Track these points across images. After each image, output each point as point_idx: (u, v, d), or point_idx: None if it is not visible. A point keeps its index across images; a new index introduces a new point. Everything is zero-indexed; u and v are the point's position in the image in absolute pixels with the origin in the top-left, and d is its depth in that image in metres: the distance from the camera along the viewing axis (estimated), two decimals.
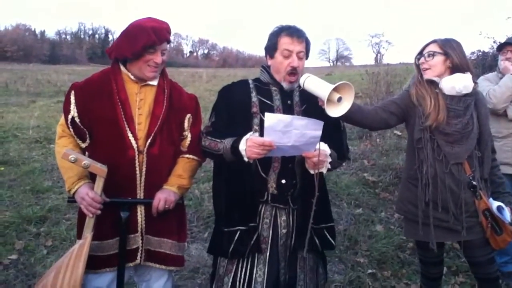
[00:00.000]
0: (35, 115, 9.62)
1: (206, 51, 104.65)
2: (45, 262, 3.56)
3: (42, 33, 79.04)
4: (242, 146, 1.94)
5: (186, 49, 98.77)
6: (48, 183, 5.51)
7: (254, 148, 1.89)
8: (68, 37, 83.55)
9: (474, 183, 2.30)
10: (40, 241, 3.95)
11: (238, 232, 2.11)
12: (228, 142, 2.02)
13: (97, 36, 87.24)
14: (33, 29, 77.11)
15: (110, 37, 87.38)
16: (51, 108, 12.69)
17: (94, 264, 2.03)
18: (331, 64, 78.23)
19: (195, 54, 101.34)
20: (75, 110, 2.10)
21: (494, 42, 8.17)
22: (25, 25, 75.43)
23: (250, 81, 2.26)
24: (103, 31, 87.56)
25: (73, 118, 2.10)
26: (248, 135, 1.95)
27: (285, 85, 2.16)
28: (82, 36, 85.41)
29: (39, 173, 5.88)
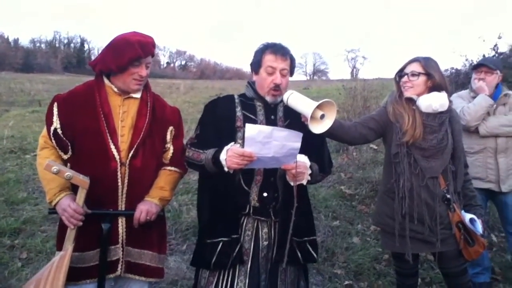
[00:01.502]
0: (9, 125, 9.40)
1: (183, 62, 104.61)
2: (20, 275, 3.49)
3: (16, 41, 77.49)
4: (222, 156, 1.98)
5: (163, 60, 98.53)
6: (23, 194, 5.40)
7: (234, 158, 1.92)
8: (42, 45, 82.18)
9: (448, 196, 2.39)
10: (15, 254, 3.87)
11: (221, 244, 2.13)
12: (210, 152, 2.06)
13: (72, 45, 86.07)
14: (6, 37, 75.65)
15: (86, 47, 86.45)
16: (26, 117, 12.41)
17: (74, 275, 2.01)
18: (308, 78, 78.95)
19: (172, 65, 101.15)
20: (58, 122, 2.10)
21: (466, 60, 8.47)
22: None
23: (236, 96, 2.31)
24: (78, 40, 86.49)
25: (55, 129, 2.10)
26: (229, 146, 1.99)
27: (268, 98, 2.21)
28: (57, 45, 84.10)
29: (13, 184, 5.75)
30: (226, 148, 1.99)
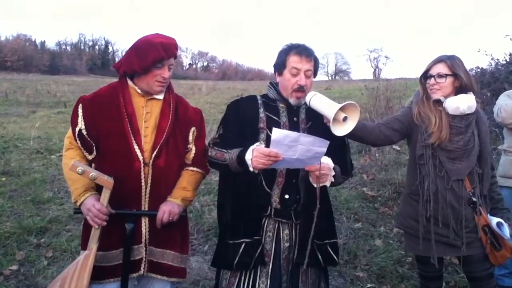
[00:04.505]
0: (35, 126, 9.62)
1: (205, 64, 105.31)
2: (46, 273, 3.57)
3: (43, 43, 79.30)
4: (248, 156, 1.96)
5: (186, 61, 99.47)
6: (49, 194, 5.52)
7: (260, 158, 1.90)
8: (68, 47, 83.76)
9: (474, 199, 2.34)
10: (41, 252, 3.96)
11: (243, 245, 2.13)
12: (234, 152, 2.05)
13: (97, 47, 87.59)
14: (33, 40, 77.44)
15: (110, 49, 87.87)
16: (52, 118, 12.71)
17: (98, 274, 2.05)
18: (330, 78, 78.55)
19: (194, 66, 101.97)
20: (83, 123, 2.13)
21: (492, 59, 8.29)
22: (25, 35, 75.61)
23: (259, 97, 2.31)
24: (103, 42, 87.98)
25: (80, 130, 2.13)
26: (254, 145, 1.98)
27: (292, 100, 2.20)
28: (82, 47, 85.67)
29: (40, 184, 5.89)
30: (251, 148, 1.97)
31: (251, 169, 1.97)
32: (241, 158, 2.00)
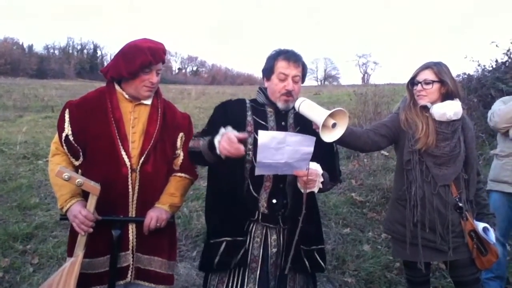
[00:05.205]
0: (22, 130, 9.50)
1: (195, 68, 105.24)
2: (32, 280, 3.52)
3: (30, 47, 78.62)
4: (217, 138, 1.94)
5: (175, 66, 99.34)
6: (35, 199, 5.45)
7: (225, 142, 1.87)
8: (56, 51, 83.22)
9: (461, 204, 2.36)
10: (26, 259, 3.91)
11: (224, 243, 2.12)
12: (208, 138, 2.04)
13: (85, 51, 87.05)
14: (21, 43, 76.75)
15: (99, 53, 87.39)
16: (39, 123, 12.57)
17: (84, 281, 2.02)
18: (319, 83, 78.98)
19: (183, 71, 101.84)
20: (69, 128, 2.12)
21: (479, 65, 8.39)
22: (13, 38, 75.02)
23: (247, 101, 2.31)
24: (91, 46, 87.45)
25: (67, 136, 2.11)
26: (226, 129, 1.94)
27: (280, 104, 2.20)
28: (70, 51, 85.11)
29: (26, 189, 5.82)
30: (222, 131, 1.94)
31: (218, 152, 1.93)
32: (211, 142, 1.98)
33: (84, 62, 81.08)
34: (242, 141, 1.90)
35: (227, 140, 1.87)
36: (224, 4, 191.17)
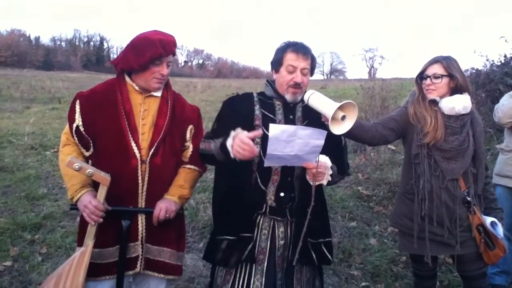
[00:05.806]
0: (30, 122, 9.56)
1: (201, 61, 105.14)
2: (40, 269, 3.56)
3: (37, 39, 78.85)
4: (229, 142, 1.93)
5: (181, 59, 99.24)
6: (43, 190, 5.51)
7: (237, 145, 1.87)
8: (63, 43, 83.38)
9: (469, 198, 2.36)
10: (35, 248, 3.95)
11: (226, 242, 2.13)
12: (219, 140, 2.03)
13: (92, 43, 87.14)
14: (28, 35, 76.91)
15: (105, 45, 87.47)
16: (46, 114, 12.65)
17: (94, 271, 2.04)
18: (325, 77, 78.65)
19: (189, 64, 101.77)
20: (80, 119, 2.13)
21: (487, 60, 8.33)
22: (20, 30, 75.24)
23: (255, 95, 2.30)
24: (98, 38, 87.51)
25: (77, 127, 2.13)
26: (236, 132, 1.94)
27: (288, 97, 2.19)
28: (77, 43, 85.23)
29: (34, 180, 5.87)
30: (232, 134, 1.94)
31: (232, 156, 1.92)
32: (224, 145, 1.97)
33: (90, 54, 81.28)
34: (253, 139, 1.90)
35: (239, 143, 1.86)
36: (224, 4, 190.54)
